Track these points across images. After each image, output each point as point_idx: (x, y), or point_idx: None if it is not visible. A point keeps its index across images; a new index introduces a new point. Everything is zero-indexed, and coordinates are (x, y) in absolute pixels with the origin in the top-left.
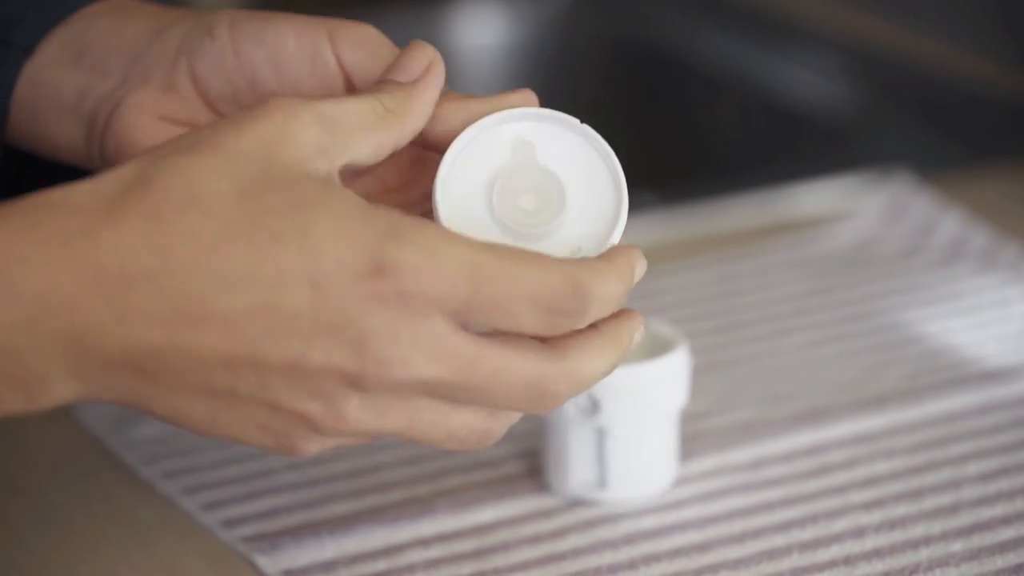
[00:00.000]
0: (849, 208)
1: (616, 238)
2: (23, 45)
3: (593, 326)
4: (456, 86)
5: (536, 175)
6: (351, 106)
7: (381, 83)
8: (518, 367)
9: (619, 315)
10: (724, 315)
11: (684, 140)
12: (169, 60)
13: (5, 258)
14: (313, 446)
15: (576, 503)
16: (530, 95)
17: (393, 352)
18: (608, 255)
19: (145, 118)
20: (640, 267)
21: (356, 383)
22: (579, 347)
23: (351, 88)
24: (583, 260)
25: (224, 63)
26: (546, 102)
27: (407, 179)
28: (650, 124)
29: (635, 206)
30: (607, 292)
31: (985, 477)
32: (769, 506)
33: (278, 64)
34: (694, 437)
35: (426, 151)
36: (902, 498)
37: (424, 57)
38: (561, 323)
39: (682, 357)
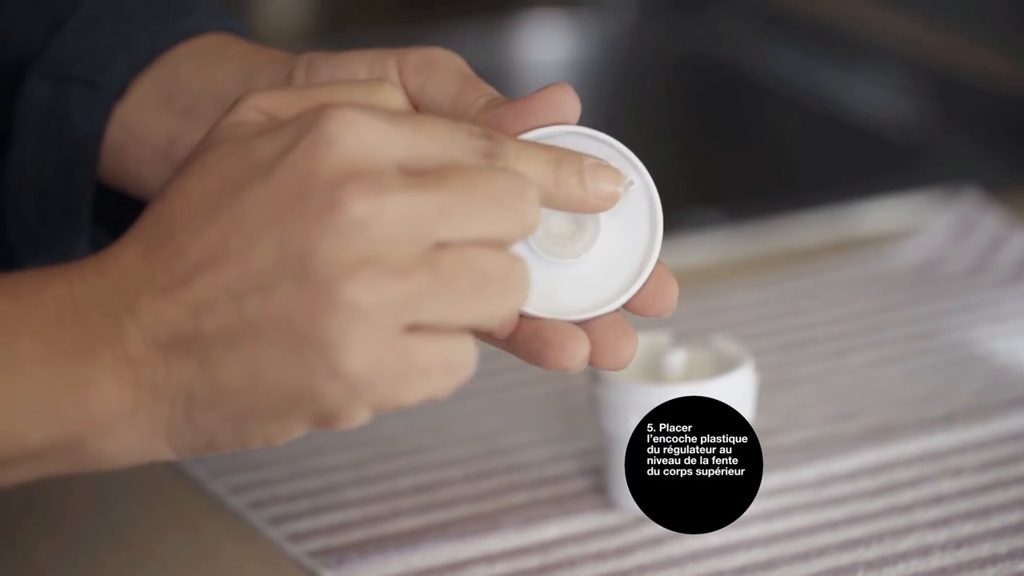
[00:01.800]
0: (916, 225)
1: (655, 249)
2: (113, 88)
3: None
4: None
5: None
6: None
7: None
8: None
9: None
10: (790, 332)
11: (750, 156)
12: None
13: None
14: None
15: (641, 520)
16: (565, 95)
17: (330, 156)
18: None
19: None
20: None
21: (336, 207)
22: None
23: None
24: None
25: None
26: (611, 117)
27: None
28: (716, 140)
29: (700, 223)
30: None
31: None
32: (834, 524)
33: None
34: None
35: None
36: (969, 517)
37: None
38: None
39: (748, 374)
